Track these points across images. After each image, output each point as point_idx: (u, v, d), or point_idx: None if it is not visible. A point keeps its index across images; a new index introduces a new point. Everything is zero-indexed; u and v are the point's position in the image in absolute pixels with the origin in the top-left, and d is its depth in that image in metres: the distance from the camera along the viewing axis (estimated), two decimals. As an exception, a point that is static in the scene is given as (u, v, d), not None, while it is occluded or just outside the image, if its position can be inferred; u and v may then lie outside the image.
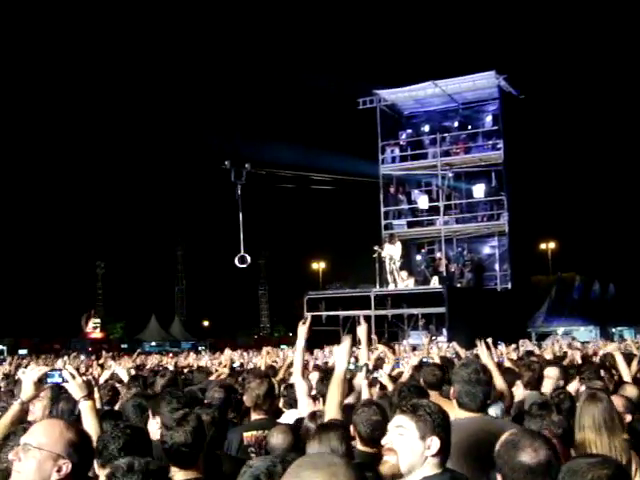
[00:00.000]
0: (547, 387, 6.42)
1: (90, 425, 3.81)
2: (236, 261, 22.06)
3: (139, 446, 3.57)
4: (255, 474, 2.84)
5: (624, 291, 43.53)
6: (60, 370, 4.10)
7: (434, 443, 3.16)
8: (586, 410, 4.18)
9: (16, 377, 10.01)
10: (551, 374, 6.62)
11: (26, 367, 17.21)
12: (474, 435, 3.96)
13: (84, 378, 4.09)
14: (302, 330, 5.65)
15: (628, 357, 9.25)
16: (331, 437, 3.88)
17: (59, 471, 2.81)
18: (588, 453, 2.89)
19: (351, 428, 4.43)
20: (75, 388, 3.99)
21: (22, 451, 2.85)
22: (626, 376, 6.98)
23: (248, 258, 21.99)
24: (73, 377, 4.00)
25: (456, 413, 4.21)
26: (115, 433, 3.60)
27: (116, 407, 6.22)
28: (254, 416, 5.61)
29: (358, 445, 4.42)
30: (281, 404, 6.64)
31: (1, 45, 60.29)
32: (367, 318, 8.62)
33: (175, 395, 4.92)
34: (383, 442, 3.38)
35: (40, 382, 3.99)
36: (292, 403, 6.19)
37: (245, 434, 5.36)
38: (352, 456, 3.98)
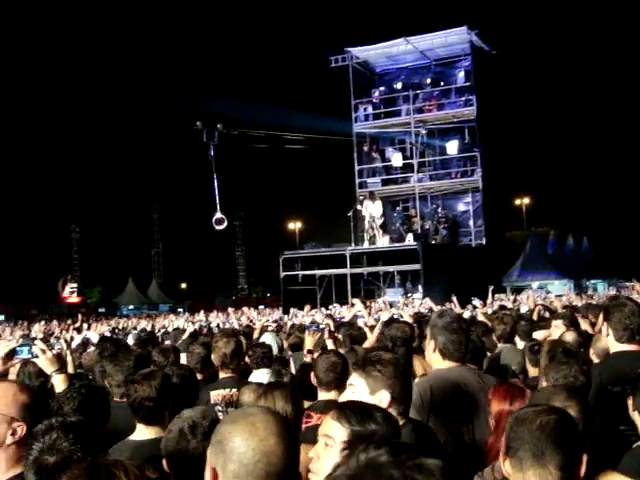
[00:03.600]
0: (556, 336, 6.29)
1: None
2: (213, 223, 21.98)
3: (96, 406, 3.55)
4: (181, 427, 2.93)
5: (597, 245, 43.92)
6: (29, 345, 4.09)
7: (384, 397, 3.14)
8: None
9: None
10: (558, 324, 6.64)
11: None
12: (455, 385, 3.95)
13: (54, 352, 4.09)
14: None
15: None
16: (276, 396, 3.84)
17: (14, 434, 2.81)
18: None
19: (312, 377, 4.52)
20: (46, 363, 4.03)
21: None
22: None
23: (225, 220, 21.90)
24: (43, 352, 4.02)
25: (436, 364, 4.13)
26: (70, 394, 3.58)
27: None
28: (222, 375, 5.59)
29: (319, 394, 4.46)
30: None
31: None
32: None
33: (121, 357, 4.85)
34: (340, 400, 3.37)
35: (8, 357, 3.97)
36: (259, 362, 6.23)
37: (212, 393, 5.36)
38: (300, 415, 3.97)
